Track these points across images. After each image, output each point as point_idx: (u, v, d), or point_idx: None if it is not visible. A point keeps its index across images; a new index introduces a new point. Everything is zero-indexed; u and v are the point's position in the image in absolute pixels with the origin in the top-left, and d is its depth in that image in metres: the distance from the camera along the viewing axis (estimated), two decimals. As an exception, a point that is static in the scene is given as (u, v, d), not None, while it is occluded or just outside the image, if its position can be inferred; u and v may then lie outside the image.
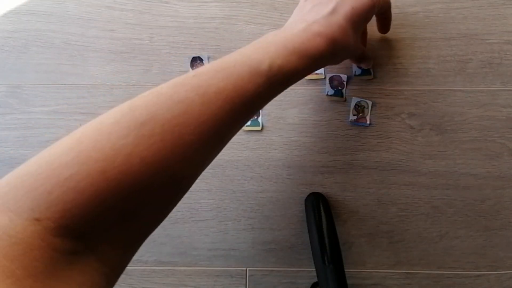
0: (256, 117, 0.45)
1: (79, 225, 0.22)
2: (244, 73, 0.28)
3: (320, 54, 0.32)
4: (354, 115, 0.45)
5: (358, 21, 0.35)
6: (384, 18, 0.41)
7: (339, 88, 0.45)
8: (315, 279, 0.40)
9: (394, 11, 0.46)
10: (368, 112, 0.45)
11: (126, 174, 0.23)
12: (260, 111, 0.45)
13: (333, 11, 0.34)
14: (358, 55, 0.41)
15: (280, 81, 0.30)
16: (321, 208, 0.42)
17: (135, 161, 0.23)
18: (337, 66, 0.45)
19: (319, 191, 0.45)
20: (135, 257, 0.45)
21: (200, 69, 0.28)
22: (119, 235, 0.24)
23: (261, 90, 0.29)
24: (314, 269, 0.40)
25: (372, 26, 0.43)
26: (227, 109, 0.27)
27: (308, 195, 0.44)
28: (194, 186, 0.46)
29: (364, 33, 0.43)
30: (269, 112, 0.45)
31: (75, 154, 0.23)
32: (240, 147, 0.45)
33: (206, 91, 0.26)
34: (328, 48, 0.32)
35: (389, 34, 0.45)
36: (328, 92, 0.45)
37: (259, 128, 0.45)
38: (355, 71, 0.45)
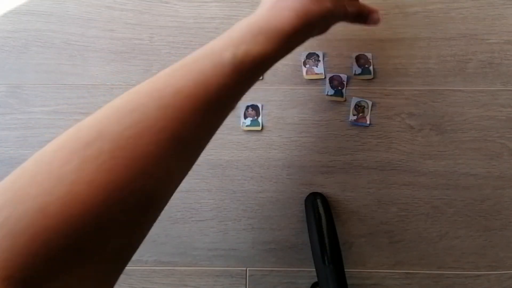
0: (256, 117, 0.45)
1: (27, 274, 0.18)
2: (205, 66, 0.26)
3: (293, 28, 0.29)
4: (354, 115, 0.45)
5: None
6: (357, 12, 0.36)
7: (339, 88, 0.45)
8: (315, 279, 0.40)
9: (394, 11, 0.46)
10: (368, 112, 0.45)
11: (70, 206, 0.19)
12: (260, 111, 0.45)
13: None
14: (353, 14, 0.36)
15: (250, 67, 0.27)
16: (321, 208, 0.42)
17: (81, 188, 0.20)
18: (337, 66, 0.45)
19: (319, 191, 0.45)
20: (135, 257, 0.45)
21: (157, 74, 0.26)
22: (84, 275, 0.21)
23: (228, 81, 0.26)
24: (314, 269, 0.40)
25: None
26: (189, 110, 0.24)
27: (308, 195, 0.44)
28: (194, 186, 0.46)
29: None
30: (269, 112, 0.45)
31: (12, 193, 0.20)
32: (240, 147, 0.45)
33: (162, 94, 0.24)
34: (300, 21, 0.29)
35: (389, 34, 0.45)
36: (328, 92, 0.45)
37: (259, 128, 0.45)
38: (355, 71, 0.45)
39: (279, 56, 0.30)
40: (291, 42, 0.30)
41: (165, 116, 0.23)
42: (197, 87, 0.25)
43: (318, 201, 0.43)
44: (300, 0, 0.30)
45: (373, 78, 0.45)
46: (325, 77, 0.45)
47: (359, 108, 0.45)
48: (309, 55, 0.46)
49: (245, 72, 0.27)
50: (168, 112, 0.23)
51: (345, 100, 0.45)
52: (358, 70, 0.45)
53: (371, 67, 0.45)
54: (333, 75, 0.45)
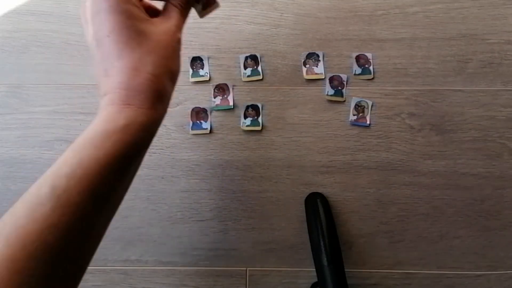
0: (256, 117, 0.45)
1: None
2: (19, 214, 0.22)
3: (132, 117, 0.25)
4: (354, 115, 0.45)
5: (125, 35, 0.26)
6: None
7: (339, 88, 0.45)
8: (315, 279, 0.40)
9: (394, 11, 0.46)
10: (368, 112, 0.45)
11: None
12: (260, 111, 0.45)
13: (103, 62, 0.26)
14: (183, 7, 0.31)
15: (79, 191, 0.23)
16: (321, 208, 0.42)
17: None
18: (337, 66, 0.45)
19: (319, 191, 0.45)
20: (135, 257, 0.45)
21: None
22: None
23: (52, 220, 0.22)
24: (314, 269, 0.40)
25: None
26: (6, 277, 0.20)
27: (308, 195, 0.44)
28: (194, 186, 0.46)
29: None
30: (269, 112, 0.45)
31: None
32: (240, 147, 0.45)
33: None
34: (135, 102, 0.25)
35: (389, 34, 0.45)
36: (328, 92, 0.45)
37: (259, 128, 0.45)
38: (355, 71, 0.45)
39: (130, 156, 0.25)
40: (139, 131, 0.25)
41: None
42: (10, 247, 0.21)
43: (318, 201, 0.43)
44: (115, 81, 0.26)
45: (373, 78, 0.45)
46: (325, 77, 0.45)
47: (359, 108, 0.45)
48: (309, 55, 0.46)
49: (76, 199, 0.23)
50: None
51: (345, 100, 0.45)
52: (358, 70, 0.45)
53: (371, 67, 0.45)
54: (333, 75, 0.45)
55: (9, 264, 0.21)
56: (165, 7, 0.31)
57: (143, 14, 0.28)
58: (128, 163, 0.25)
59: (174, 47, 0.28)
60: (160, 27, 0.28)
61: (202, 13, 0.36)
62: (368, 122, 0.45)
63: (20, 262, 0.21)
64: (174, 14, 0.30)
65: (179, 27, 0.30)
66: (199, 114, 0.46)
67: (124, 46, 0.26)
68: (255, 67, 0.46)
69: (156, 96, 0.26)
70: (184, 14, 0.31)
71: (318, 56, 0.46)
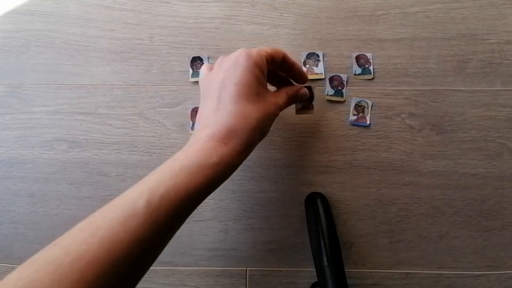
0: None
1: None
2: (114, 221, 0.24)
3: (222, 157, 0.29)
4: (354, 115, 0.45)
5: (248, 90, 0.31)
6: (290, 69, 0.38)
7: (339, 88, 0.45)
8: (315, 279, 0.40)
9: (394, 11, 0.46)
10: (368, 112, 0.45)
11: None
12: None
13: (218, 101, 0.31)
14: (290, 98, 0.37)
15: (168, 211, 0.26)
16: (321, 208, 0.42)
17: None
18: (337, 66, 0.45)
19: (319, 191, 0.45)
20: (135, 257, 0.45)
21: (66, 233, 0.25)
22: None
23: (140, 234, 0.24)
24: (314, 269, 0.40)
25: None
26: (90, 278, 0.23)
27: (308, 195, 0.44)
28: (194, 186, 0.46)
29: (282, 78, 0.40)
30: (269, 112, 0.45)
31: None
32: (240, 147, 0.45)
33: (60, 265, 0.22)
34: (229, 144, 0.29)
35: (389, 34, 0.45)
36: (328, 92, 0.45)
37: (259, 128, 0.45)
38: (355, 71, 0.45)
39: (215, 185, 0.29)
40: (230, 165, 0.29)
41: None
42: (101, 250, 0.23)
43: (318, 201, 0.43)
44: (223, 124, 0.30)
45: (373, 78, 0.45)
46: (325, 77, 0.45)
47: (359, 108, 0.45)
48: (309, 55, 0.46)
49: (163, 218, 0.26)
50: (63, 287, 0.22)
51: (345, 100, 0.45)
52: (358, 70, 0.45)
53: (371, 67, 0.45)
54: (333, 75, 0.45)
55: (96, 267, 0.23)
56: (278, 89, 0.39)
57: (265, 82, 0.34)
58: (206, 195, 0.29)
59: (273, 117, 0.34)
60: (271, 99, 0.34)
61: (298, 111, 0.43)
62: (368, 122, 0.45)
63: (106, 266, 0.23)
64: (282, 97, 0.36)
65: (281, 108, 0.36)
66: (199, 114, 0.46)
67: (242, 97, 0.31)
68: (255, 67, 0.46)
69: (247, 144, 0.31)
70: (288, 102, 0.37)
71: (318, 56, 0.46)
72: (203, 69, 0.37)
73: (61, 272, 0.22)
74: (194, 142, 0.30)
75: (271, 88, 0.41)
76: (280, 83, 0.40)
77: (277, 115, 0.35)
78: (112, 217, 0.25)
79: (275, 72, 0.38)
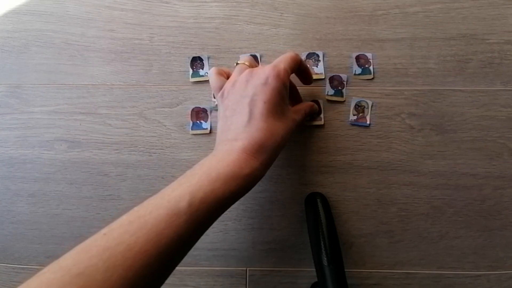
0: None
1: None
2: (160, 218, 0.27)
3: (253, 169, 0.32)
4: (354, 115, 0.45)
5: (276, 109, 0.34)
6: (302, 72, 0.41)
7: (339, 88, 0.45)
8: (315, 279, 0.40)
9: (394, 11, 0.46)
10: (368, 112, 0.45)
11: None
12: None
13: (250, 117, 0.34)
14: (306, 115, 0.41)
15: (205, 213, 0.29)
16: (321, 208, 0.42)
17: None
18: (337, 66, 0.45)
19: (319, 191, 0.45)
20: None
21: (114, 223, 0.27)
22: None
23: (182, 231, 0.28)
24: (314, 269, 0.40)
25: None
26: (139, 266, 0.25)
27: (308, 195, 0.44)
28: (194, 186, 0.46)
29: (296, 95, 0.43)
30: (269, 112, 0.45)
31: None
32: (240, 147, 0.45)
33: (113, 253, 0.25)
34: (259, 158, 0.32)
35: (389, 34, 0.45)
36: (328, 92, 0.45)
37: (259, 128, 0.45)
38: (355, 71, 0.45)
39: (242, 194, 0.32)
40: (255, 177, 0.32)
41: (112, 278, 0.24)
42: (149, 242, 0.26)
43: (318, 201, 0.43)
44: (253, 138, 0.33)
45: (373, 78, 0.45)
46: (325, 77, 0.45)
47: (359, 108, 0.45)
48: (309, 55, 0.46)
49: (201, 219, 0.29)
50: (115, 273, 0.24)
51: (345, 100, 0.45)
52: (358, 70, 0.45)
53: (371, 67, 0.45)
54: (333, 75, 0.45)
55: (144, 257, 0.25)
56: (296, 106, 0.41)
57: (287, 99, 0.37)
58: (234, 201, 0.32)
59: (292, 133, 0.37)
60: (292, 116, 0.37)
61: (308, 122, 0.45)
62: (368, 122, 0.45)
63: (152, 257, 0.26)
64: (301, 114, 0.40)
65: (299, 124, 0.39)
66: (199, 114, 0.46)
67: (271, 115, 0.34)
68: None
69: (272, 159, 0.34)
70: (305, 119, 0.41)
71: (318, 56, 0.46)
72: (212, 72, 0.39)
73: (115, 260, 0.25)
74: (228, 153, 0.32)
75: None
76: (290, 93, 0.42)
77: (294, 131, 0.38)
78: (158, 214, 0.27)
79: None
